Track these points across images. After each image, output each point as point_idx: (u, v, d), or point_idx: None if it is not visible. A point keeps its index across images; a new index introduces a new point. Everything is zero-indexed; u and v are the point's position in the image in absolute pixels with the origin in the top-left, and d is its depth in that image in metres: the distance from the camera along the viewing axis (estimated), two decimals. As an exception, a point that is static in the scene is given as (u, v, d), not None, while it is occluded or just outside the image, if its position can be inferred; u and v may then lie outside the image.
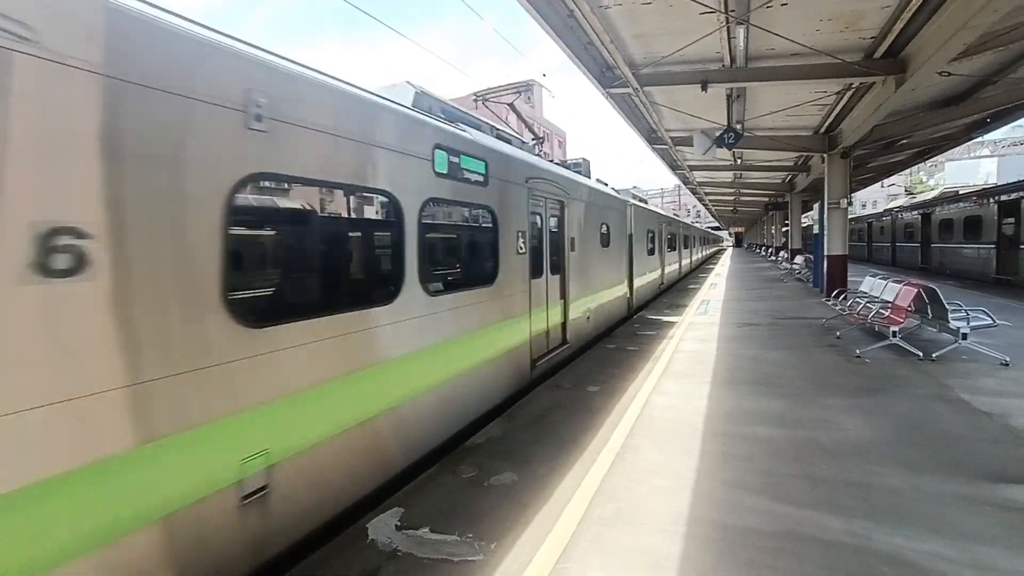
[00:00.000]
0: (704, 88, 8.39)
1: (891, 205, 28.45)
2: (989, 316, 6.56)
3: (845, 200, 12.29)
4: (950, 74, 8.22)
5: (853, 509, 2.94)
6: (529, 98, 60.12)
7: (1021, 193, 12.99)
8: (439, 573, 2.54)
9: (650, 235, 13.99)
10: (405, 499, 3.27)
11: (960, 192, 19.32)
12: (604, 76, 9.01)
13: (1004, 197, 13.79)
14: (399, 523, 2.99)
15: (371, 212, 3.84)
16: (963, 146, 22.81)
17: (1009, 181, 15.72)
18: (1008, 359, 5.91)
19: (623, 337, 8.80)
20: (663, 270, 16.43)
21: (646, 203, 15.36)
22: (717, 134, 10.21)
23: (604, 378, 6.07)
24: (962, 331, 6.27)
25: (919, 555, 2.50)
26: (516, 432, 4.40)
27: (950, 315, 6.46)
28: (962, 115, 11.00)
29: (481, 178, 4.84)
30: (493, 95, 7.56)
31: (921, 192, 40.85)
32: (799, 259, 19.92)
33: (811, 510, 2.95)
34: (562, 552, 2.65)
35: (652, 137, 14.12)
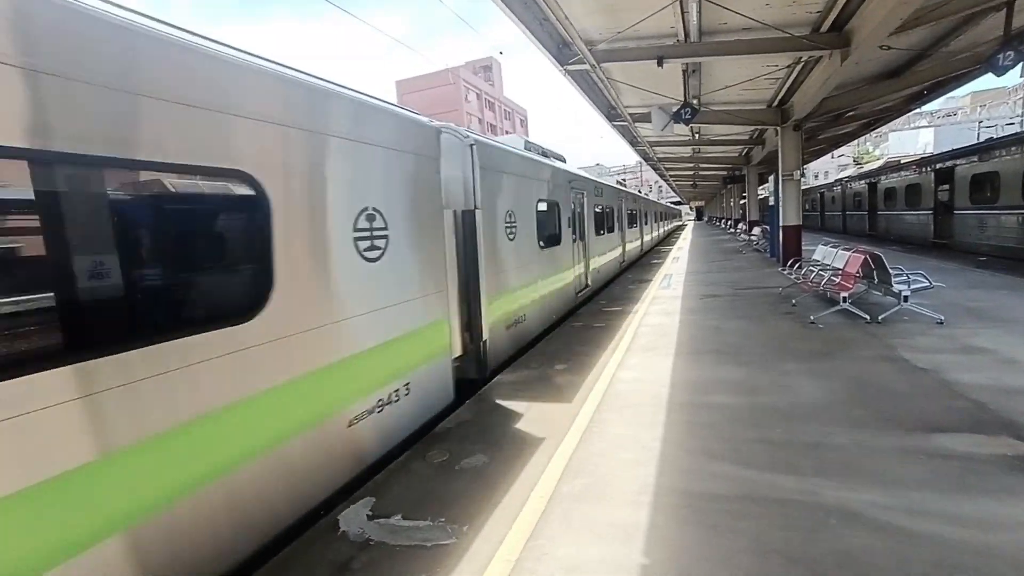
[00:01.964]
0: (660, 64, 8.43)
1: (841, 175, 29.70)
2: (926, 279, 6.99)
3: (798, 171, 12.74)
4: (890, 48, 8.55)
5: (806, 468, 3.12)
6: (489, 76, 59.01)
7: (954, 162, 13.78)
8: (412, 559, 2.55)
9: (632, 212, 18.68)
10: (376, 488, 3.26)
11: (901, 161, 20.32)
12: (561, 53, 8.92)
13: (939, 165, 14.60)
14: (371, 512, 2.98)
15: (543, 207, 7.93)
16: (904, 117, 23.96)
17: (944, 150, 16.65)
18: (943, 318, 6.34)
19: (589, 315, 8.93)
20: (642, 240, 21.23)
21: (624, 185, 19.63)
22: (674, 110, 10.32)
23: (571, 355, 6.17)
24: (903, 294, 6.66)
25: (861, 504, 2.69)
26: (485, 415, 4.43)
27: (893, 279, 6.85)
28: (901, 87, 11.50)
29: (551, 184, 8.37)
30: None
31: (868, 162, 42.77)
32: (756, 230, 20.60)
33: (769, 472, 3.11)
34: (533, 529, 2.70)
35: (611, 114, 14.16)
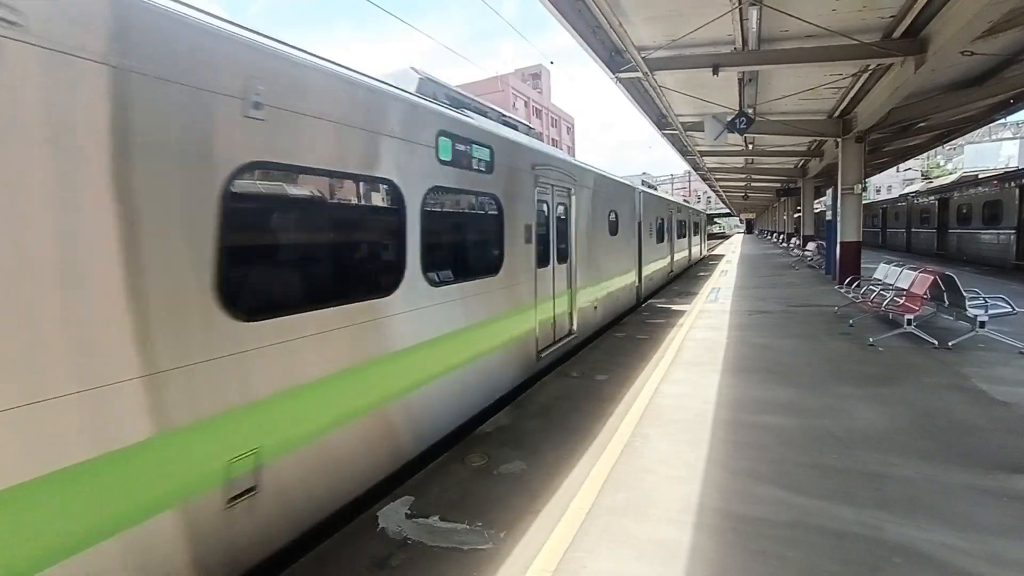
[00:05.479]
0: (715, 72, 8.20)
1: (907, 190, 27.80)
2: (1008, 303, 6.42)
3: (859, 185, 12.04)
4: (973, 53, 7.95)
5: (865, 499, 2.92)
6: (537, 84, 59.35)
7: (1044, 176, 12.62)
8: (449, 561, 2.56)
9: (696, 222, 23.35)
10: (415, 488, 3.30)
11: (980, 176, 18.81)
12: (613, 60, 8.84)
13: (1026, 180, 13.41)
14: (409, 511, 3.02)
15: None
16: (983, 128, 22.16)
17: (1031, 164, 15.25)
18: (1027, 347, 5.79)
19: (632, 325, 8.76)
20: (701, 244, 27.53)
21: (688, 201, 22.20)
22: (728, 119, 10.00)
23: (613, 367, 6.06)
24: (979, 319, 6.14)
25: (932, 546, 2.48)
26: (525, 421, 4.42)
27: (967, 303, 6.33)
28: (984, 96, 10.65)
29: (661, 208, 14.54)
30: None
31: (938, 177, 39.82)
32: (811, 246, 19.62)
33: (822, 500, 2.93)
34: (572, 541, 2.66)
35: (662, 122, 13.89)
